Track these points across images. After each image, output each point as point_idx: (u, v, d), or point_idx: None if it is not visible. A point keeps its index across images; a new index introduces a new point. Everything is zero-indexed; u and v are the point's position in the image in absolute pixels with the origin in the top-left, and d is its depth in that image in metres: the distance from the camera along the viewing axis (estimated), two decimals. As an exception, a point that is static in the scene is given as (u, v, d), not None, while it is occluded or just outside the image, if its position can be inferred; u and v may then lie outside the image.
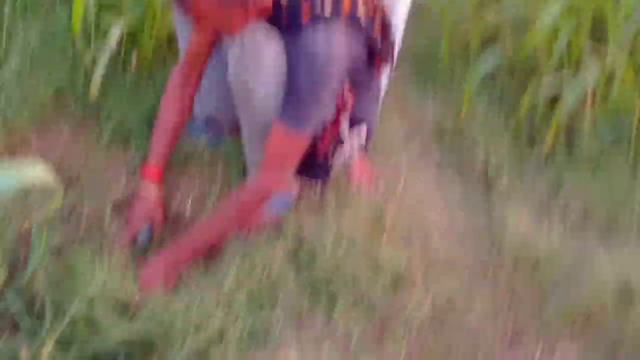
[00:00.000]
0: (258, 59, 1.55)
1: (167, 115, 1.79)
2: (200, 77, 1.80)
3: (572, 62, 2.22)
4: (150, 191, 1.75)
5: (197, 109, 1.92)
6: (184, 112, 1.80)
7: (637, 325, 1.64)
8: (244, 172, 1.81)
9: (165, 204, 1.78)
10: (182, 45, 1.82)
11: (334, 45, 1.53)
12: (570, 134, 2.18)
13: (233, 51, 1.58)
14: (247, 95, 1.59)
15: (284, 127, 1.57)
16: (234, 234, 1.63)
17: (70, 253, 1.58)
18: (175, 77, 1.78)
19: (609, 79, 2.16)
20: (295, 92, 1.55)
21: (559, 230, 1.88)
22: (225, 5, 1.49)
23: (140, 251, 1.67)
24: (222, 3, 1.48)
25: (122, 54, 2.08)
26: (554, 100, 2.22)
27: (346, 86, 1.65)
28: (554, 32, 2.19)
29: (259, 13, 1.55)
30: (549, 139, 2.12)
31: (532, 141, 2.19)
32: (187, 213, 1.79)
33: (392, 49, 1.76)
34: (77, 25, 1.92)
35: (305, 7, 1.54)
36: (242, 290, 1.54)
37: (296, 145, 1.61)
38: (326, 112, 1.63)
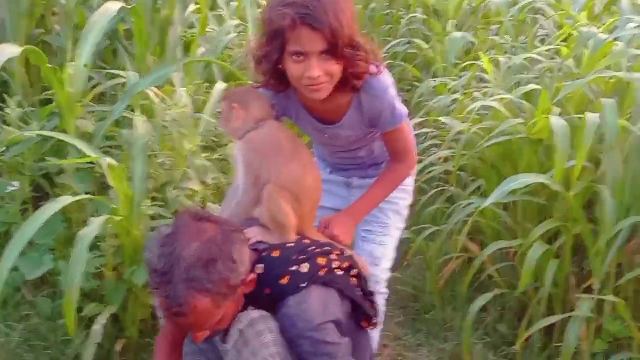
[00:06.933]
0: (259, 340, 1.52)
1: None
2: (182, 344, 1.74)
3: (559, 296, 2.21)
4: None
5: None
6: None
7: None
8: None
9: None
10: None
11: (313, 305, 1.54)
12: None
13: (232, 337, 1.55)
14: None
15: None
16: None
17: None
18: (161, 345, 1.72)
19: (600, 309, 2.14)
20: None
21: None
22: (220, 305, 1.47)
23: None
24: (215, 303, 1.46)
25: (107, 341, 2.06)
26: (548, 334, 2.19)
27: None
28: (540, 270, 2.19)
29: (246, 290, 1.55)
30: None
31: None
32: None
33: (374, 307, 1.76)
34: (72, 324, 1.85)
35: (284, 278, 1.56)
36: None
37: None
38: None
